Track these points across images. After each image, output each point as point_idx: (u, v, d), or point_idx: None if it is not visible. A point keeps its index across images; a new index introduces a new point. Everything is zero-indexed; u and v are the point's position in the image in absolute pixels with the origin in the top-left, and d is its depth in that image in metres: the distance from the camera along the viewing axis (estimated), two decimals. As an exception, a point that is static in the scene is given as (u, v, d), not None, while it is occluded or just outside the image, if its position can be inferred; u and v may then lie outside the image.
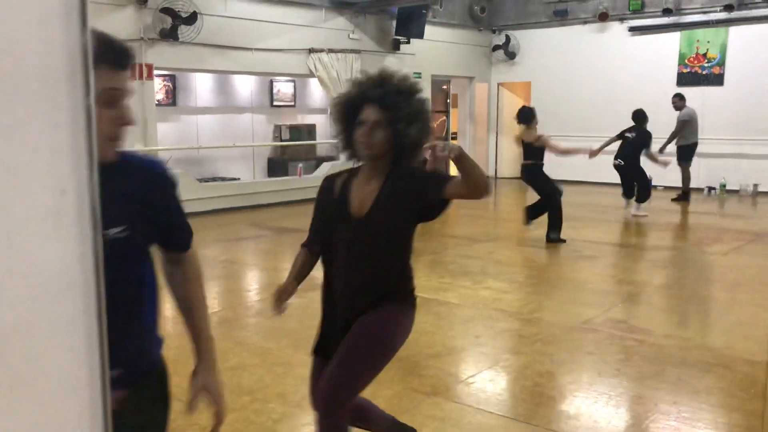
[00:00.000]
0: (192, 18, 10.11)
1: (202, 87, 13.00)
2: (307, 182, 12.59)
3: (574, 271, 6.33)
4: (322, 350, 2.77)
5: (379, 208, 2.60)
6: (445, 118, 16.26)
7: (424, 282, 6.44)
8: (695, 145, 11.93)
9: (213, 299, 6.12)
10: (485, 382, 4.09)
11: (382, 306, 2.64)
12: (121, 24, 9.62)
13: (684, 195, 11.89)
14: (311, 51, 12.13)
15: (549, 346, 4.73)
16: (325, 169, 12.98)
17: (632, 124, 10.18)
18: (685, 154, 11.85)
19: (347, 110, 2.64)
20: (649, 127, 10.25)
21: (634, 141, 9.93)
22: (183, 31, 10.14)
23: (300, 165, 13.06)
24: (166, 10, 9.91)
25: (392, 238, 2.65)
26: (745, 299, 5.86)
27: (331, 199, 2.74)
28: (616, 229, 9.45)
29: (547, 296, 5.92)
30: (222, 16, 10.79)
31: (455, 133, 16.23)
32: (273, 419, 3.57)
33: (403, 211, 2.61)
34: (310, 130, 14.24)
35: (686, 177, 11.98)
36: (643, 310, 5.57)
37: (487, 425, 3.51)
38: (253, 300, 6.06)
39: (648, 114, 10.42)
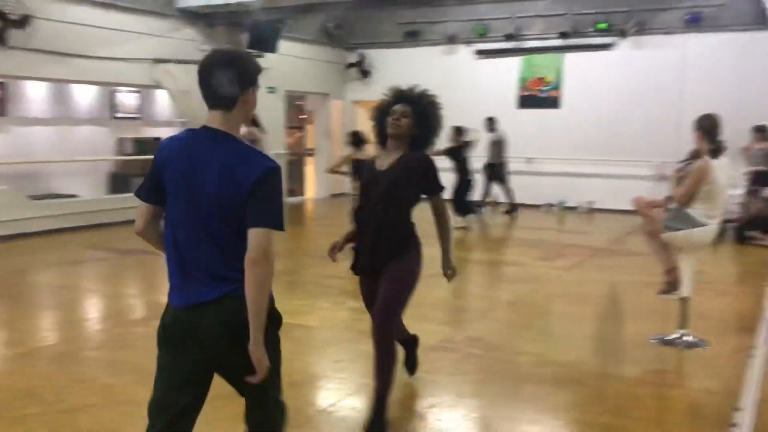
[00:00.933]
0: (23, 21, 9.27)
1: (36, 96, 11.97)
2: (154, 199, 11.94)
3: (429, 288, 6.35)
4: (358, 267, 3.82)
5: (398, 167, 3.69)
6: (301, 134, 16.11)
7: (280, 306, 6.22)
8: (506, 164, 12.75)
9: (47, 331, 5.55)
10: (347, 410, 3.95)
11: (407, 254, 3.69)
12: (-63, 24, 8.65)
13: (513, 208, 12.65)
14: (157, 61, 11.54)
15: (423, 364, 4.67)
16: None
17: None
18: (499, 171, 12.65)
19: (384, 109, 3.91)
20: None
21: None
22: (13, 35, 9.27)
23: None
24: (-7, 12, 9.03)
25: (404, 189, 3.68)
26: (589, 313, 6.17)
27: (365, 172, 3.90)
28: (461, 245, 9.69)
29: (405, 315, 5.89)
30: (59, 20, 9.99)
31: (312, 149, 16.10)
32: (116, 468, 3.23)
33: (410, 179, 3.69)
34: (156, 144, 13.52)
35: (509, 190, 12.75)
36: (497, 327, 5.69)
37: (351, 458, 3.38)
38: (93, 331, 5.56)
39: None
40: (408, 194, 3.72)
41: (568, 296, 6.82)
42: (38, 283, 7.39)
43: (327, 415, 3.86)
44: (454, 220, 10.14)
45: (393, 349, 3.74)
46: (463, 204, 10.68)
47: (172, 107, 13.05)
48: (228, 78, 2.39)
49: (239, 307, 2.28)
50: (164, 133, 13.91)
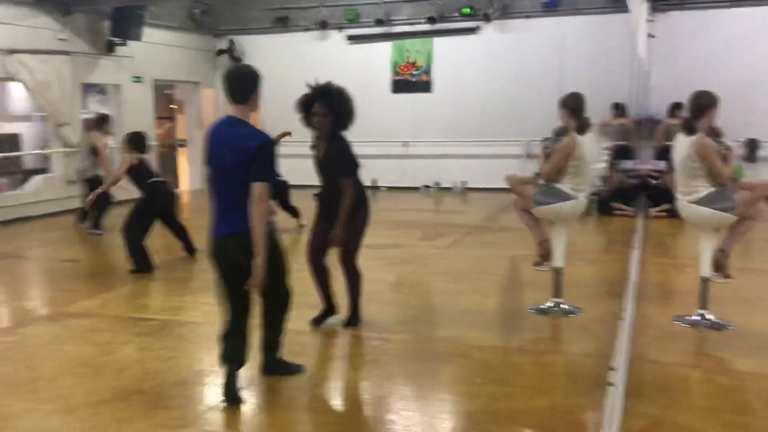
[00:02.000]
0: None
1: None
2: (13, 199, 11.17)
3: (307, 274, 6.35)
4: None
5: (327, 153, 4.93)
6: (170, 124, 15.54)
7: (160, 303, 6.04)
8: None
9: None
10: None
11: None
12: None
13: None
14: (11, 52, 10.74)
15: (299, 357, 4.64)
16: (35, 183, 11.63)
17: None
18: None
19: (306, 104, 4.91)
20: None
21: None
22: None
23: (2, 180, 11.53)
24: None
25: (334, 169, 4.89)
26: (469, 288, 6.39)
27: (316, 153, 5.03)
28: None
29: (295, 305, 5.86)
30: None
31: (183, 140, 15.56)
32: (-9, 487, 3.02)
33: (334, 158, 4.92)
34: (12, 140, 12.63)
35: None
36: (382, 308, 5.76)
37: (245, 451, 3.34)
38: (-47, 343, 5.14)
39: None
40: (338, 169, 4.89)
41: (448, 273, 7.03)
42: None
43: (217, 412, 3.78)
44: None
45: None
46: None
47: (29, 101, 12.19)
48: (241, 84, 3.66)
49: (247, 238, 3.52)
50: (22, 128, 13.01)
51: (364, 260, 7.86)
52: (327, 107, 4.84)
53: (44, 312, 5.93)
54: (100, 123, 10.07)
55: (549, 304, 5.55)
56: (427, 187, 14.24)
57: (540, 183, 5.52)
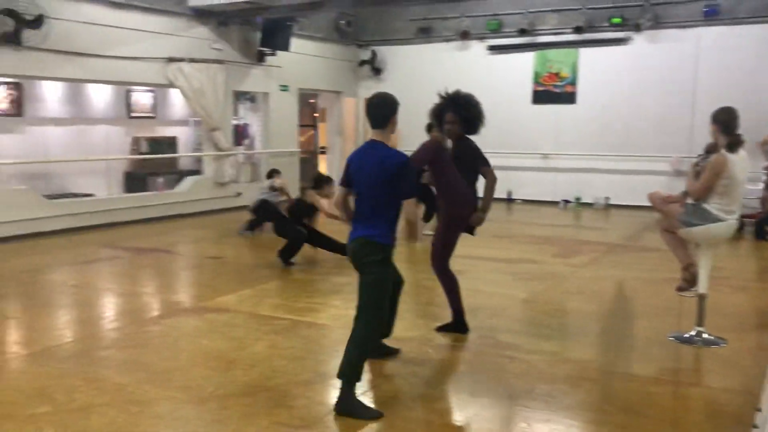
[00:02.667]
0: (37, 21, 9.32)
1: (52, 96, 12.06)
2: (168, 198, 11.99)
3: (438, 286, 6.30)
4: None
5: (455, 153, 5.14)
6: (313, 132, 16.09)
7: (291, 303, 6.22)
8: None
9: (61, 330, 5.56)
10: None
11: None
12: (-48, 25, 8.70)
13: None
14: (171, 60, 11.57)
15: (420, 367, 4.63)
16: (188, 183, 12.42)
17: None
18: None
19: (439, 112, 5.25)
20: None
21: None
22: (28, 35, 9.32)
23: (160, 180, 12.41)
24: (8, 12, 9.07)
25: (468, 163, 5.13)
26: (605, 310, 6.09)
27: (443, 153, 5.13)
28: (475, 241, 9.60)
29: (417, 314, 5.85)
30: (72, 20, 10.03)
31: (324, 147, 16.08)
32: (126, 467, 3.21)
33: (465, 155, 5.16)
34: (171, 143, 13.60)
35: None
36: (510, 325, 5.62)
37: (361, 458, 3.34)
38: (106, 330, 5.56)
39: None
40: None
41: (583, 293, 6.74)
42: (53, 281, 7.42)
43: (339, 416, 3.82)
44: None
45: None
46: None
47: (185, 106, 13.08)
48: (381, 111, 4.05)
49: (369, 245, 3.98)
50: (178, 132, 13.97)
51: (495, 274, 7.75)
52: (456, 114, 5.11)
53: (187, 305, 6.28)
54: (319, 184, 8.46)
55: (691, 332, 5.17)
56: (566, 201, 13.79)
57: (687, 202, 5.17)
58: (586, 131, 13.81)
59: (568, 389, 4.22)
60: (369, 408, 3.85)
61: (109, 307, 6.42)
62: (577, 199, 13.64)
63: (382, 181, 3.93)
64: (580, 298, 6.56)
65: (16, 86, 11.30)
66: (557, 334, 5.45)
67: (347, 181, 4.19)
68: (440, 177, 5.08)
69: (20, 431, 3.57)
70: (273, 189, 9.84)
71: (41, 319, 5.81)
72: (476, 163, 5.14)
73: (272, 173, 10.34)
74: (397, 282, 4.61)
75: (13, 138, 11.05)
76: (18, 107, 11.44)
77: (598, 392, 4.19)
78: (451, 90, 5.27)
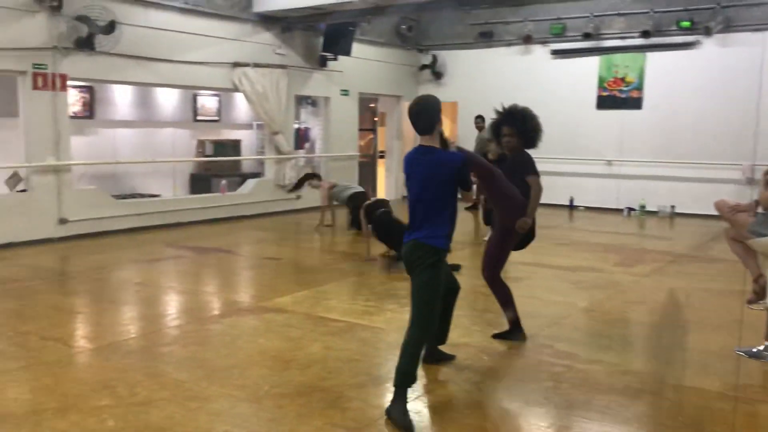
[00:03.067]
0: (110, 27, 9.65)
1: (122, 100, 12.48)
2: (231, 199, 12.23)
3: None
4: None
5: (509, 165, 5.17)
6: (372, 136, 16.16)
7: (348, 306, 6.25)
8: None
9: (125, 326, 5.74)
10: (412, 414, 3.88)
11: None
12: (31, 31, 9.10)
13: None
14: (236, 65, 11.81)
15: (476, 374, 4.59)
16: (250, 185, 12.65)
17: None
18: None
19: (497, 128, 5.29)
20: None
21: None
22: (100, 40, 9.67)
23: (223, 182, 12.68)
24: (82, 18, 9.43)
25: (518, 172, 5.11)
26: (669, 322, 5.91)
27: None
28: (535, 249, 9.47)
29: (473, 320, 5.80)
30: (142, 26, 10.36)
31: (383, 152, 16.13)
32: (183, 462, 3.28)
33: (517, 165, 5.18)
34: (234, 146, 13.88)
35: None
36: (569, 334, 5.52)
37: (413, 462, 3.32)
38: (168, 327, 5.70)
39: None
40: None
41: (645, 303, 6.56)
42: (119, 279, 7.66)
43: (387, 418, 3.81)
44: None
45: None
46: None
47: (249, 110, 13.33)
48: (427, 118, 4.06)
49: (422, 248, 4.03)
50: (243, 135, 14.25)
51: (554, 281, 7.62)
52: (513, 128, 5.16)
53: (246, 305, 6.39)
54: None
55: (761, 347, 4.97)
56: (629, 209, 13.47)
57: (758, 212, 4.97)
58: (651, 137, 13.46)
59: (627, 402, 4.11)
60: (406, 417, 3.74)
61: (171, 305, 6.59)
62: (642, 206, 13.30)
63: (438, 181, 4.00)
64: (642, 309, 6.38)
65: (88, 89, 11.73)
66: (617, 345, 5.32)
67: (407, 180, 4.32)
68: (492, 187, 5.02)
69: (84, 422, 3.69)
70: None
71: (107, 315, 6.00)
72: (525, 171, 5.13)
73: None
74: (453, 288, 4.62)
75: (85, 140, 11.47)
76: (89, 110, 11.87)
77: (660, 406, 4.06)
78: (509, 102, 5.30)
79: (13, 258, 8.41)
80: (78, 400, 4.02)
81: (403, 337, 4.03)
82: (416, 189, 4.09)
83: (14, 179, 9.37)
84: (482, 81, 15.02)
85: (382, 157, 16.16)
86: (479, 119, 13.32)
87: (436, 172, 4.00)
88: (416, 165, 4.12)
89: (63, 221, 9.65)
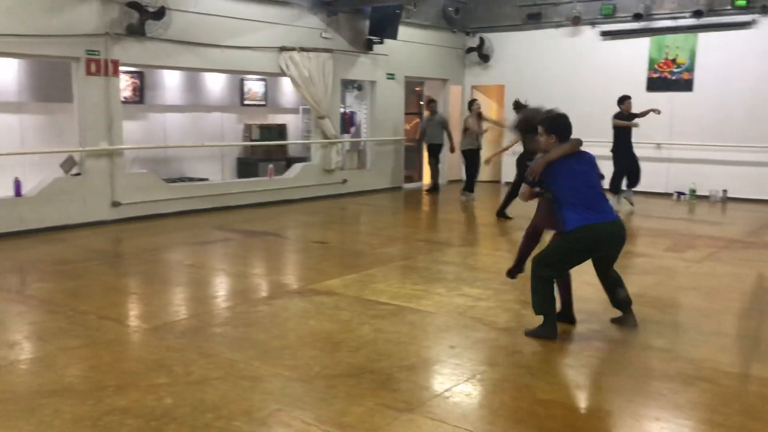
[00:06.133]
0: (160, 13, 9.80)
1: (170, 84, 12.67)
2: (278, 183, 12.36)
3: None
4: None
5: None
6: (418, 120, 16.11)
7: (396, 289, 6.29)
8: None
9: (178, 306, 5.88)
10: (462, 396, 3.92)
11: None
12: (84, 18, 9.30)
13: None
14: (282, 49, 11.89)
15: (527, 358, 4.59)
16: (297, 170, 12.76)
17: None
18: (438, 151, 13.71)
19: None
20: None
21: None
22: (151, 26, 9.83)
23: (270, 166, 12.81)
24: (133, 5, 9.60)
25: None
26: (722, 308, 5.79)
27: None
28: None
29: (523, 305, 5.77)
30: (192, 12, 10.49)
31: (429, 136, 16.05)
32: (239, 439, 3.36)
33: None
34: (281, 130, 13.99)
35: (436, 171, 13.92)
36: (620, 319, 5.45)
37: (464, 444, 3.35)
38: (220, 308, 5.82)
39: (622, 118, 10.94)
40: None
41: (699, 289, 6.44)
42: (170, 261, 7.84)
43: (441, 400, 3.85)
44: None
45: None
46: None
47: (295, 94, 13.41)
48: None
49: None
50: (288, 119, 14.35)
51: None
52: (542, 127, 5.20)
53: (295, 287, 6.47)
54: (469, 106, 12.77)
55: (819, 335, 4.84)
56: (680, 193, 13.18)
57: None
58: (703, 120, 13.13)
59: (679, 388, 4.06)
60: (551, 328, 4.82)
61: (221, 287, 6.72)
62: (692, 191, 13.00)
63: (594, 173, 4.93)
64: (695, 295, 6.27)
65: (138, 75, 11.95)
66: (669, 331, 5.24)
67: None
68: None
69: (143, 399, 3.81)
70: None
71: (160, 296, 6.16)
72: None
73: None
74: (614, 277, 5.19)
75: (135, 124, 11.70)
76: (139, 95, 12.10)
77: (714, 392, 4.00)
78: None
79: (69, 239, 8.66)
80: (136, 377, 4.14)
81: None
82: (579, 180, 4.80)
83: (69, 163, 9.63)
84: (530, 63, 14.83)
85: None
86: (432, 103, 13.66)
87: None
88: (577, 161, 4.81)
89: (116, 204, 9.89)
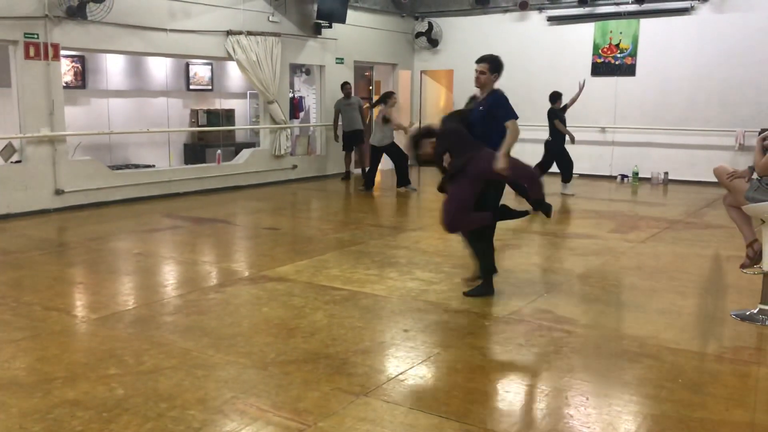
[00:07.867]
0: (101, -5, 9.52)
1: (113, 69, 12.36)
2: (226, 170, 12.21)
3: (497, 261, 6.31)
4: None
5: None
6: (368, 104, 16.08)
7: (349, 274, 6.30)
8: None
9: (127, 295, 5.78)
10: (417, 378, 3.97)
11: None
12: (22, 0, 8.97)
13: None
14: (229, 33, 11.70)
15: (479, 339, 4.67)
16: (246, 156, 12.62)
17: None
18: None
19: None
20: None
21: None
22: (92, 9, 9.55)
23: (218, 151, 12.64)
24: (73, -14, 9.31)
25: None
26: (665, 287, 5.99)
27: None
28: (531, 216, 9.53)
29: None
30: (134, -6, 10.23)
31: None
32: (193, 428, 3.33)
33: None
34: (228, 115, 13.81)
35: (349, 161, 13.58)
36: (567, 299, 5.60)
37: (420, 426, 3.39)
38: (170, 296, 5.74)
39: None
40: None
41: (642, 269, 6.64)
42: (117, 249, 7.68)
43: (396, 383, 3.89)
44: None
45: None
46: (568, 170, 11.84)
47: (243, 79, 13.23)
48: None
49: None
50: (236, 104, 14.16)
51: (551, 249, 7.71)
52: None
53: (246, 274, 6.43)
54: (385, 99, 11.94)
55: (755, 310, 5.06)
56: (623, 176, 13.53)
57: (754, 178, 5.02)
58: (645, 104, 13.49)
59: (627, 365, 4.20)
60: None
61: (171, 275, 6.62)
62: (635, 173, 13.36)
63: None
64: (639, 274, 6.46)
65: (80, 59, 11.61)
66: (614, 310, 5.40)
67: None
68: None
69: (93, 390, 3.74)
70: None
71: (108, 285, 6.03)
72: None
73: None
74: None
75: (78, 110, 11.38)
76: (81, 80, 11.76)
77: (659, 369, 4.14)
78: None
79: (11, 229, 8.40)
80: (86, 369, 4.06)
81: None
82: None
83: (8, 150, 9.32)
84: (478, 48, 14.82)
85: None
86: (347, 85, 13.16)
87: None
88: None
89: (59, 192, 9.63)
